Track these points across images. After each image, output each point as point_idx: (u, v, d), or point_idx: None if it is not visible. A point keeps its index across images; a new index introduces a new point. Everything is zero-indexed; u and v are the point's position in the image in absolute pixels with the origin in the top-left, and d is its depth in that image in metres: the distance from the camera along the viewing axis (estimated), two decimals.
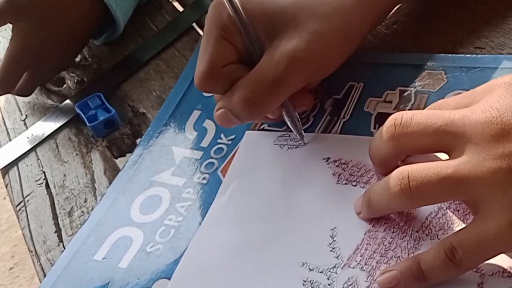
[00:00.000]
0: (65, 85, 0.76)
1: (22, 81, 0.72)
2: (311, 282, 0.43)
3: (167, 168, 0.56)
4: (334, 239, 0.44)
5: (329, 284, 0.42)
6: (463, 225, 0.41)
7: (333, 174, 0.48)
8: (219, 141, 0.56)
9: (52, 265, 0.54)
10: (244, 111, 0.50)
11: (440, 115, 0.40)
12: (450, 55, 0.52)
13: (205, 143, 0.56)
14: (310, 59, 0.49)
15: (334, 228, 0.45)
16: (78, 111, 0.67)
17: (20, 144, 0.69)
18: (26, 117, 0.74)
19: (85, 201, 0.60)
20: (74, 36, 0.73)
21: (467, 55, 0.51)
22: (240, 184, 0.51)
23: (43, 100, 0.75)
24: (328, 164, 0.49)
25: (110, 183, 0.58)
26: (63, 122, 0.69)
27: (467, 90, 0.43)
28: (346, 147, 0.50)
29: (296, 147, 0.52)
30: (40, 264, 0.56)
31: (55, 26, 0.71)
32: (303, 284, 0.43)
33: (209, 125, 0.57)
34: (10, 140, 0.72)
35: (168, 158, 0.57)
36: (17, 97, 0.78)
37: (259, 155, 0.52)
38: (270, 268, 0.45)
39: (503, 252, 0.38)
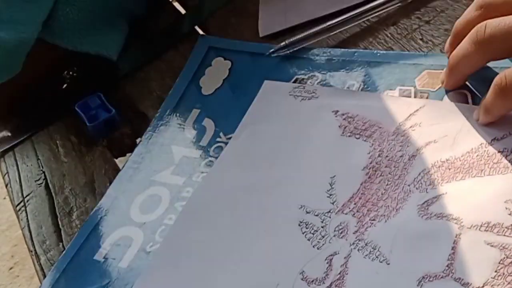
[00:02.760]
0: (65, 85, 0.76)
1: None
2: (306, 223, 0.46)
3: (167, 167, 0.56)
4: (333, 186, 0.47)
5: (322, 227, 0.45)
6: (452, 183, 0.42)
7: (339, 126, 0.51)
8: (218, 139, 0.56)
9: (52, 265, 0.54)
10: None
11: None
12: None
13: (204, 142, 0.56)
14: None
15: (334, 177, 0.47)
16: (78, 111, 0.67)
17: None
18: None
19: (85, 201, 0.60)
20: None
21: None
22: (254, 129, 0.54)
23: (43, 100, 0.75)
24: (336, 116, 0.51)
25: (110, 183, 0.58)
26: (63, 122, 0.69)
27: (466, 88, 0.43)
28: (355, 102, 0.52)
29: (309, 99, 0.54)
30: (40, 264, 0.56)
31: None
32: (299, 225, 0.46)
33: (208, 123, 0.57)
34: None
35: (168, 157, 0.57)
36: None
37: (274, 104, 0.55)
38: (270, 209, 0.48)
39: None
